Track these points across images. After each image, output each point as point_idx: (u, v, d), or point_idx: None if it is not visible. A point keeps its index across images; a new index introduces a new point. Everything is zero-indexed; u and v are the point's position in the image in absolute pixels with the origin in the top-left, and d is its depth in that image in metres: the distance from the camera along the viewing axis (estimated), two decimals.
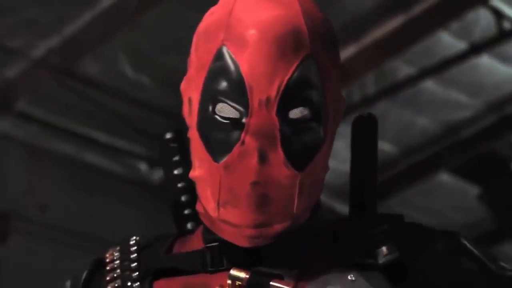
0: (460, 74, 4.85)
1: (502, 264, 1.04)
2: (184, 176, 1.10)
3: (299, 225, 1.03)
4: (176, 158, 1.11)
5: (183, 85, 1.07)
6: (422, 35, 4.48)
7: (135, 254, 1.08)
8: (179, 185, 1.11)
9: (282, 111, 1.01)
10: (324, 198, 4.68)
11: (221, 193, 1.01)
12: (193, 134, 1.05)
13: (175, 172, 1.11)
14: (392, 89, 4.82)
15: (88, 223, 4.81)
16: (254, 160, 0.99)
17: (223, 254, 1.04)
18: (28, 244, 4.64)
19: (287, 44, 1.02)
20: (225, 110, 1.02)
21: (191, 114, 1.06)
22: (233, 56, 1.02)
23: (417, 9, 4.40)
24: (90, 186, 4.90)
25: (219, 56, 1.03)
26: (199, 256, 1.06)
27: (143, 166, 4.93)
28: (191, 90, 1.06)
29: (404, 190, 5.75)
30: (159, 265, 1.06)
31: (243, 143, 1.00)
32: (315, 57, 1.05)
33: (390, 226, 1.03)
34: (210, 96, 1.03)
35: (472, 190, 5.73)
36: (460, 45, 4.62)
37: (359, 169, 1.11)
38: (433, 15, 4.38)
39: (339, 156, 5.53)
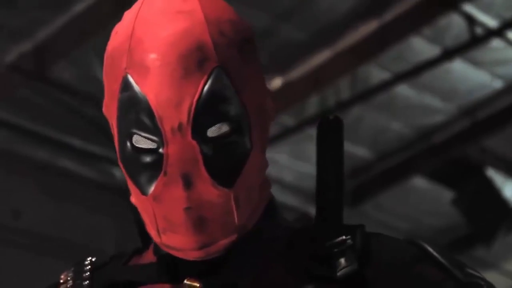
0: (433, 79, 4.87)
1: (470, 271, 1.01)
2: None
3: (249, 232, 1.01)
4: None
5: (104, 109, 1.04)
6: (395, 41, 4.50)
7: (88, 273, 1.06)
8: None
9: (199, 132, 0.97)
10: (299, 203, 4.69)
11: (158, 221, 0.99)
12: (120, 164, 1.03)
13: None
14: (366, 94, 4.83)
15: (61, 229, 4.78)
16: (179, 187, 0.96)
17: (175, 265, 1.02)
18: (0, 250, 4.60)
19: (191, 61, 0.97)
20: (141, 141, 0.98)
21: (114, 141, 1.03)
22: (137, 85, 0.97)
23: (389, 15, 4.41)
24: (63, 192, 4.87)
25: (125, 85, 0.98)
26: (152, 267, 1.04)
27: (117, 172, 4.91)
28: (110, 116, 1.02)
29: (378, 195, 5.76)
30: (110, 279, 1.05)
31: (165, 173, 0.97)
32: (224, 67, 0.99)
33: (350, 236, 1.00)
34: (124, 128, 0.99)
35: (446, 195, 5.75)
36: (433, 50, 4.64)
37: (324, 174, 1.07)
38: (406, 20, 4.40)
39: (313, 160, 5.53)
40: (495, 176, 5.61)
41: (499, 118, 5.26)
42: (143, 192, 0.99)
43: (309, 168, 5.50)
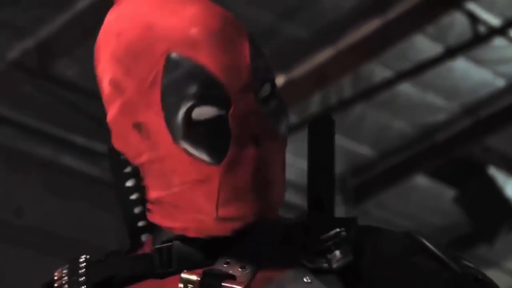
0: (436, 77, 4.87)
1: (466, 262, 1.02)
2: (137, 188, 1.07)
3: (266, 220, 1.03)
4: (128, 169, 1.07)
5: (114, 116, 1.04)
6: (397, 39, 4.50)
7: (84, 270, 1.07)
8: (132, 197, 1.07)
9: (257, 92, 1.02)
10: (302, 201, 4.65)
11: (221, 193, 1.00)
12: (168, 152, 1.02)
13: (127, 184, 1.07)
14: (369, 92, 4.84)
15: (64, 226, 4.79)
16: (251, 147, 1.00)
17: (173, 255, 1.03)
18: (3, 248, 4.61)
19: (230, 29, 1.04)
20: (204, 112, 1.00)
21: (150, 137, 1.03)
22: (190, 59, 1.01)
23: (392, 13, 4.42)
24: (66, 190, 4.87)
25: (172, 65, 1.01)
26: (146, 259, 1.04)
27: None
28: (136, 115, 1.03)
29: (381, 193, 5.76)
30: (106, 274, 1.05)
31: (236, 137, 1.00)
32: (252, 37, 1.07)
33: (344, 229, 1.01)
34: (176, 108, 1.01)
35: (448, 193, 5.75)
36: (435, 49, 4.64)
37: (315, 169, 1.10)
38: (409, 19, 4.40)
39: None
40: (497, 175, 5.61)
41: (501, 116, 5.27)
42: (214, 163, 1.01)
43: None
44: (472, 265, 1.03)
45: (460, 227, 6.06)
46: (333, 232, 1.01)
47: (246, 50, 1.04)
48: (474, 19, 4.50)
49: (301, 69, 4.70)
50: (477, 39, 4.55)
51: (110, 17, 1.08)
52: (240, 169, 1.00)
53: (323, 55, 4.62)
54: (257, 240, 1.02)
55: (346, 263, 0.99)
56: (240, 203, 1.00)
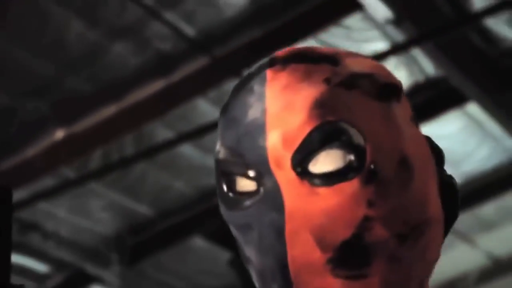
0: (216, 141, 4.95)
1: None
2: None
3: None
4: None
5: None
6: (181, 101, 4.55)
7: None
8: None
9: None
10: (75, 259, 4.55)
11: None
12: None
13: None
14: (150, 152, 4.84)
15: None
16: None
17: None
18: None
19: None
20: None
21: None
22: None
23: (177, 76, 4.47)
24: None
25: None
26: None
27: None
28: None
29: (158, 253, 5.75)
30: None
31: None
32: None
33: None
34: None
35: (224, 256, 5.82)
36: (216, 112, 4.73)
37: None
38: (192, 82, 4.47)
39: (92, 215, 5.47)
40: None
41: None
42: None
43: (88, 223, 5.41)
44: None
45: None
46: None
47: None
48: None
49: (82, 124, 4.64)
50: None
51: None
52: None
53: (106, 112, 4.60)
54: None
55: None
56: None
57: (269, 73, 0.95)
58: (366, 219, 0.90)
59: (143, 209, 5.46)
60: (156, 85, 4.50)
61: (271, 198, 0.92)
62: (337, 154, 0.91)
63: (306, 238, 0.90)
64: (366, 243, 0.91)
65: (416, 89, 4.96)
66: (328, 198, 0.91)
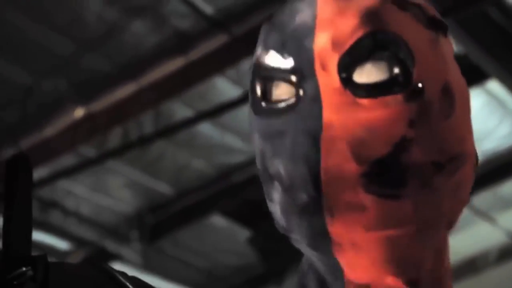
0: (234, 119, 4.95)
1: None
2: None
3: None
4: None
5: None
6: (199, 80, 4.55)
7: None
8: None
9: None
10: (96, 237, 4.58)
11: None
12: None
13: None
14: (169, 131, 4.85)
15: None
16: None
17: None
18: None
19: None
20: None
21: None
22: None
23: (195, 54, 4.46)
24: None
25: None
26: None
27: None
28: None
29: (177, 231, 5.77)
30: None
31: None
32: None
33: (31, 268, 0.96)
34: None
35: (243, 234, 5.83)
36: (235, 91, 4.72)
37: (11, 210, 1.03)
38: (211, 60, 4.46)
39: (112, 193, 5.49)
40: None
41: None
42: None
43: (108, 201, 5.44)
44: None
45: (253, 268, 6.15)
46: (18, 271, 0.96)
47: None
48: None
49: (101, 103, 4.65)
50: None
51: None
52: None
53: (124, 90, 4.60)
54: None
55: None
56: None
57: None
58: (405, 138, 0.89)
59: (162, 188, 5.48)
60: (174, 64, 4.50)
61: (310, 103, 0.90)
62: (384, 66, 0.90)
63: (342, 148, 0.88)
64: (402, 163, 0.89)
65: None
66: (369, 110, 0.89)
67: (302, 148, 0.90)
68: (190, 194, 5.59)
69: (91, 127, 4.64)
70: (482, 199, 6.13)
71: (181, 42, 4.41)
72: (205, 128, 5.01)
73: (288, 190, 0.93)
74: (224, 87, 4.71)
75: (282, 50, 0.94)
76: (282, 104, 0.94)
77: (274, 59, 0.95)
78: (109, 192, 5.35)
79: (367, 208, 0.89)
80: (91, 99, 4.64)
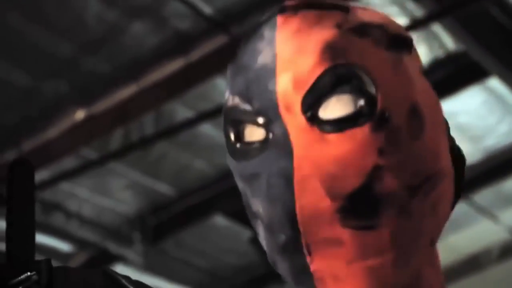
0: None
1: None
2: None
3: None
4: None
5: None
6: (200, 80, 4.55)
7: None
8: None
9: None
10: (99, 238, 4.59)
11: None
12: None
13: None
14: (170, 131, 4.85)
15: None
16: None
17: None
18: None
19: None
20: None
21: None
22: None
23: (195, 55, 4.47)
24: None
25: None
26: None
27: None
28: None
29: (180, 232, 5.77)
30: None
31: None
32: None
33: (35, 272, 0.96)
34: None
35: (245, 234, 5.83)
36: None
37: (15, 215, 1.03)
38: (211, 61, 4.46)
39: (114, 195, 5.49)
40: None
41: None
42: None
43: (110, 202, 5.44)
44: None
45: (256, 268, 6.15)
46: (23, 276, 0.96)
47: None
48: None
49: (102, 105, 4.65)
50: None
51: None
52: None
53: (125, 92, 4.60)
54: None
55: None
56: None
57: (279, 18, 0.94)
58: (377, 168, 0.88)
59: (164, 188, 5.48)
60: (175, 64, 4.50)
61: (279, 145, 0.91)
62: (347, 99, 0.89)
63: (315, 186, 0.89)
64: (376, 193, 0.88)
65: (437, 64, 4.93)
66: (338, 145, 0.89)
67: (276, 189, 0.90)
68: (191, 195, 5.59)
69: (92, 129, 4.64)
70: (483, 196, 6.13)
71: (181, 43, 4.42)
72: (206, 129, 5.01)
73: (268, 229, 0.94)
74: (225, 87, 4.71)
75: (247, 94, 0.94)
76: (256, 145, 0.94)
77: (240, 103, 0.95)
78: (110, 193, 5.35)
79: (345, 242, 0.89)
80: (92, 101, 4.64)
